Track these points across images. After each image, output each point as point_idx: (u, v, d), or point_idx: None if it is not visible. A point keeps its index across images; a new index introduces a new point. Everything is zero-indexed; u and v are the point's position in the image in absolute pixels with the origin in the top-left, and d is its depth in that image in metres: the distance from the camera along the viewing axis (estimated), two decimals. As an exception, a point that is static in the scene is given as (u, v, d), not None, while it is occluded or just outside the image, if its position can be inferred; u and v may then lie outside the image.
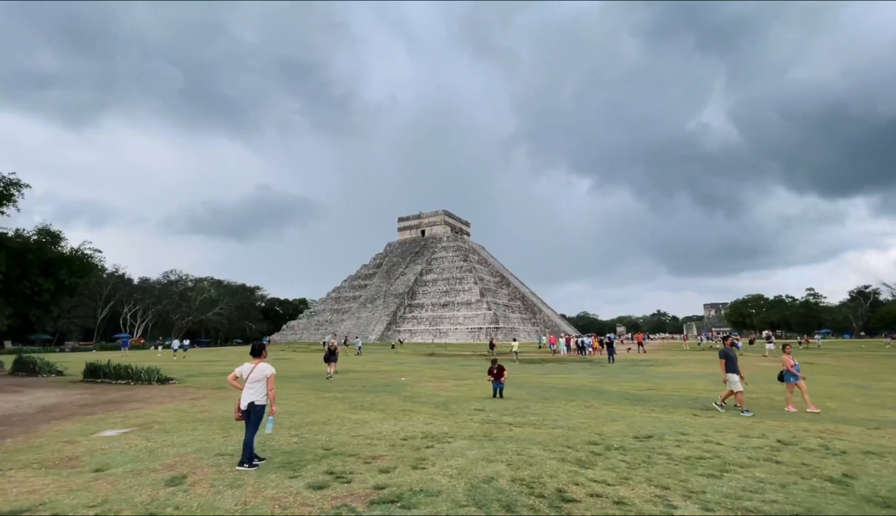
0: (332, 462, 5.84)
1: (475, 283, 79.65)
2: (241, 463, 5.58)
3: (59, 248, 19.84)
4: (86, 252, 20.29)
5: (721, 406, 10.40)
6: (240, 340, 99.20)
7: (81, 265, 19.86)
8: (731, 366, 10.23)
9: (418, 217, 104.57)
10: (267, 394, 5.81)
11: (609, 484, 4.96)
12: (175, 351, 39.88)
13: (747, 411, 9.72)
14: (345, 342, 51.31)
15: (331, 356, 20.32)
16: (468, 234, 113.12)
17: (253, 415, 5.71)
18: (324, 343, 67.14)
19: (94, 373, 17.34)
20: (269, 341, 77.85)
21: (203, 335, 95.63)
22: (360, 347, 40.80)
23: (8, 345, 53.87)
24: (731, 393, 10.13)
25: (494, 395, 12.30)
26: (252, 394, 5.74)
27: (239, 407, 5.79)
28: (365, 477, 5.21)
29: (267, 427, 5.80)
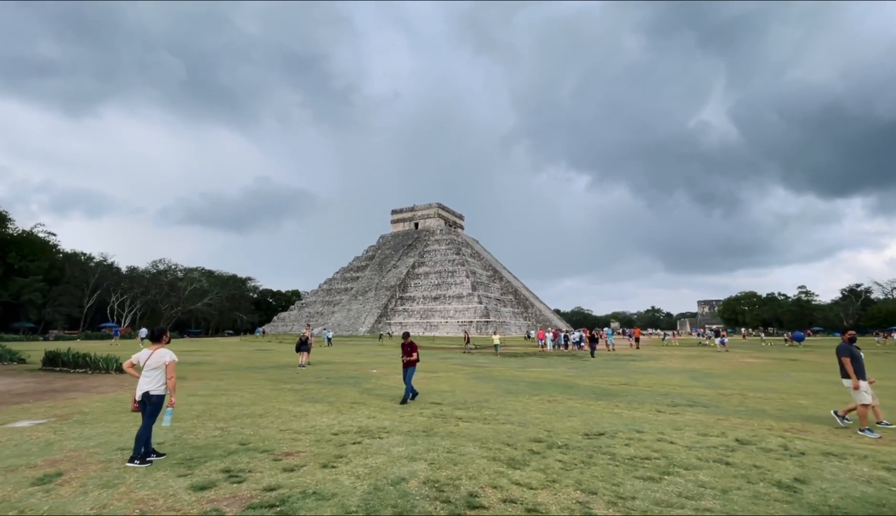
0: (238, 458, 5.30)
1: (467, 277, 79.19)
2: (131, 460, 5.03)
3: (9, 231, 19.06)
4: (39, 235, 19.53)
5: (843, 419, 8.11)
6: (230, 331, 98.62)
7: (33, 248, 19.09)
8: (858, 369, 7.91)
9: (412, 209, 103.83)
10: (165, 384, 5.25)
11: (531, 488, 4.44)
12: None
13: (878, 429, 7.56)
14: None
15: (302, 346, 19.81)
16: (462, 228, 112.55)
17: (148, 407, 5.16)
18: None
19: (52, 362, 16.72)
20: (262, 332, 77.25)
21: (193, 325, 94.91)
22: (329, 338, 40.74)
23: (-11, 332, 52.98)
24: (867, 406, 7.51)
25: (406, 399, 9.71)
26: (148, 383, 5.18)
27: (135, 398, 5.24)
28: (263, 476, 4.66)
29: (164, 420, 5.24)
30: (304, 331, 20.14)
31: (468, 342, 31.59)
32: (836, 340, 62.64)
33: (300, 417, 7.94)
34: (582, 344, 33.77)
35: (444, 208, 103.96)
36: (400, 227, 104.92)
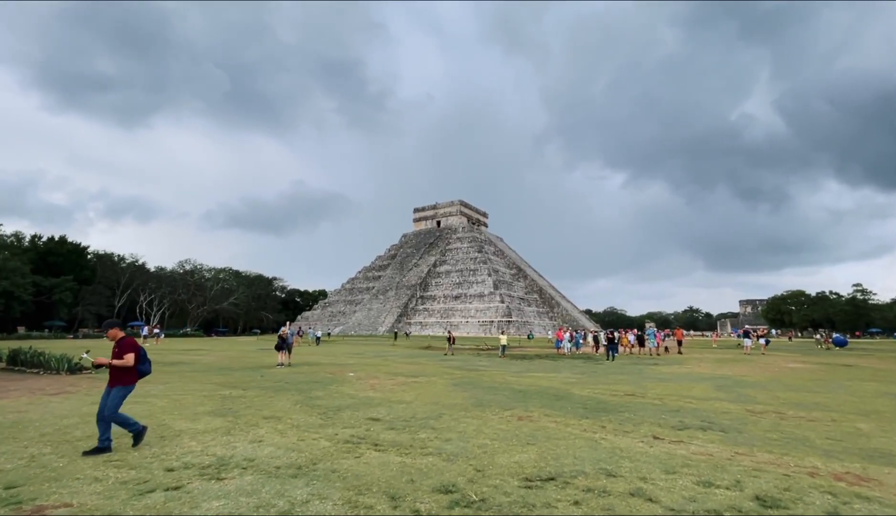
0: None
1: (489, 275, 76.79)
2: None
3: None
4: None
5: None
6: (257, 330, 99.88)
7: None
8: None
9: (434, 207, 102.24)
10: None
11: None
12: (145, 337, 40.69)
13: None
14: (298, 332, 51.80)
15: (282, 344, 18.33)
16: (485, 225, 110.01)
17: None
18: (328, 333, 65.95)
19: (13, 360, 15.81)
20: (303, 332, 77.52)
21: (220, 325, 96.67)
22: (318, 337, 40.37)
23: (21, 330, 54.88)
24: None
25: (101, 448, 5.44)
26: None
27: None
28: None
29: None
30: (283, 329, 18.60)
31: (452, 342, 29.16)
32: (894, 343, 56.29)
33: (168, 439, 6.13)
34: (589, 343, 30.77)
35: (466, 206, 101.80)
36: (422, 226, 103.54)
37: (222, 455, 5.40)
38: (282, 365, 17.89)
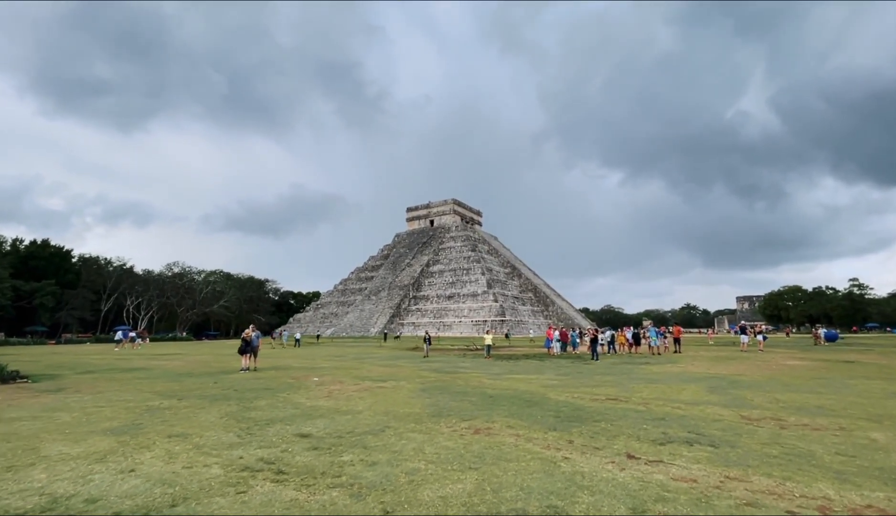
0: None
1: (482, 274, 75.64)
2: None
3: None
4: None
5: None
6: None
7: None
8: None
9: (427, 206, 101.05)
10: None
11: None
12: (118, 341, 38.93)
13: None
14: (272, 334, 51.12)
15: (246, 348, 17.07)
16: (480, 224, 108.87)
17: None
18: (317, 336, 64.64)
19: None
20: (279, 334, 76.15)
21: (212, 328, 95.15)
22: (297, 339, 40.84)
23: (0, 336, 53.35)
24: None
25: None
26: None
27: None
28: None
29: None
30: (248, 330, 17.33)
31: (429, 343, 27.78)
32: (893, 338, 55.39)
33: (16, 470, 4.92)
34: (613, 344, 29.35)
35: (460, 204, 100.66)
36: (415, 225, 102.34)
37: (63, 493, 4.19)
38: (246, 369, 16.69)
